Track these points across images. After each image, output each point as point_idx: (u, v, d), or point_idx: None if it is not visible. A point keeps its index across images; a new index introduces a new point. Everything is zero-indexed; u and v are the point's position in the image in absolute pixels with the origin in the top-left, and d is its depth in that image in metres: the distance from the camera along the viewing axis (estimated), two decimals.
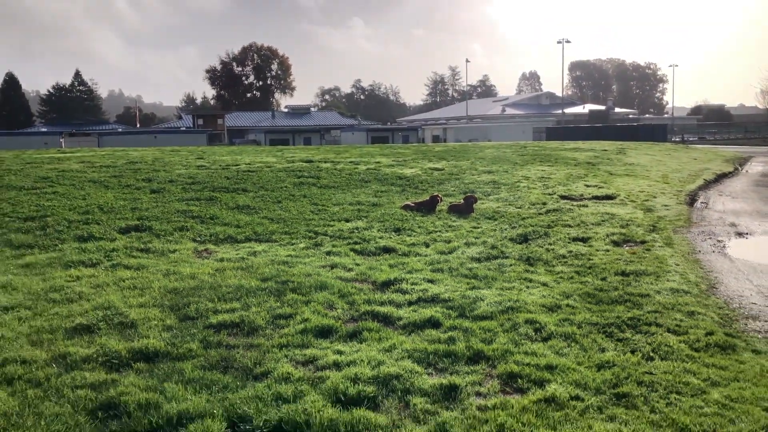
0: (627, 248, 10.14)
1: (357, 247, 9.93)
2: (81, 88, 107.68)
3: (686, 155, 37.89)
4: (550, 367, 4.98)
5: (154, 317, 6.31)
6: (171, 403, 4.33)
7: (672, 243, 10.81)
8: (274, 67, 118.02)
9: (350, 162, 23.72)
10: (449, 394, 4.54)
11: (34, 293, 7.28)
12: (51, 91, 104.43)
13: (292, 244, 10.19)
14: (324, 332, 5.90)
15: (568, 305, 6.79)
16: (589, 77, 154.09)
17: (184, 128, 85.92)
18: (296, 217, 12.63)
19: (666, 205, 15.58)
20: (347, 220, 12.34)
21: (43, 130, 80.00)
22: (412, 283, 7.59)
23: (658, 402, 4.45)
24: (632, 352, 5.45)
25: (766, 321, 6.70)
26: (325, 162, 23.36)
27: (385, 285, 7.60)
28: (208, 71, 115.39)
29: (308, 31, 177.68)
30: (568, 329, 5.94)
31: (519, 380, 4.79)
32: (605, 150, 33.30)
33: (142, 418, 4.17)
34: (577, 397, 4.47)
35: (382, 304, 6.79)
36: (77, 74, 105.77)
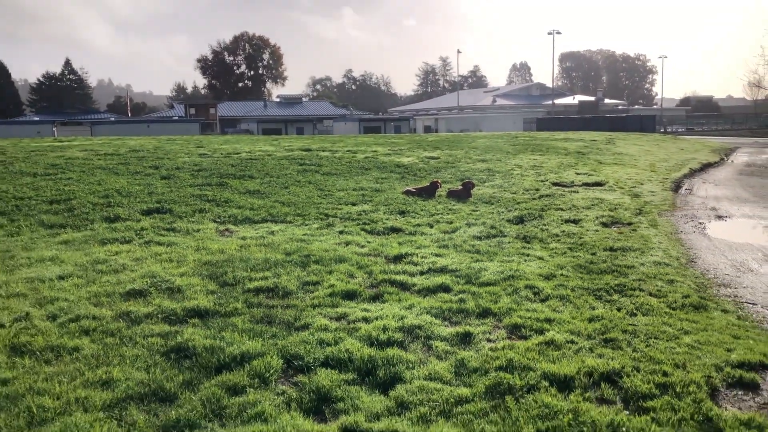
0: (615, 229, 11.02)
1: (366, 227, 10.74)
2: (71, 77, 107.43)
3: (674, 145, 38.92)
4: (548, 320, 5.85)
5: (197, 284, 7.11)
6: (232, 347, 5.15)
7: (656, 224, 11.69)
8: (266, 56, 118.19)
9: (348, 151, 24.51)
10: (464, 339, 5.40)
11: (81, 265, 8.05)
12: (41, 79, 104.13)
13: (306, 225, 10.99)
14: (349, 295, 6.72)
15: (562, 274, 7.65)
16: (579, 68, 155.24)
17: (176, 117, 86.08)
18: (305, 201, 13.43)
19: (652, 192, 16.48)
20: (353, 204, 13.15)
21: (36, 119, 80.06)
22: (422, 257, 8.42)
23: (638, 345, 5.32)
24: (618, 309, 6.32)
25: (735, 288, 7.60)
26: (324, 151, 24.14)
27: (397, 258, 8.42)
28: (199, 60, 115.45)
29: (299, 21, 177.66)
30: (563, 292, 6.81)
31: (522, 329, 5.65)
32: (594, 140, 34.26)
33: (210, 357, 4.99)
34: (572, 341, 5.33)
35: (396, 273, 7.61)
36: (67, 63, 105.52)
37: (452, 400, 4.26)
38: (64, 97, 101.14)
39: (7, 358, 5.02)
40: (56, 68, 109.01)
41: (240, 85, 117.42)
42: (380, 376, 4.65)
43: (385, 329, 5.52)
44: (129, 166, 18.03)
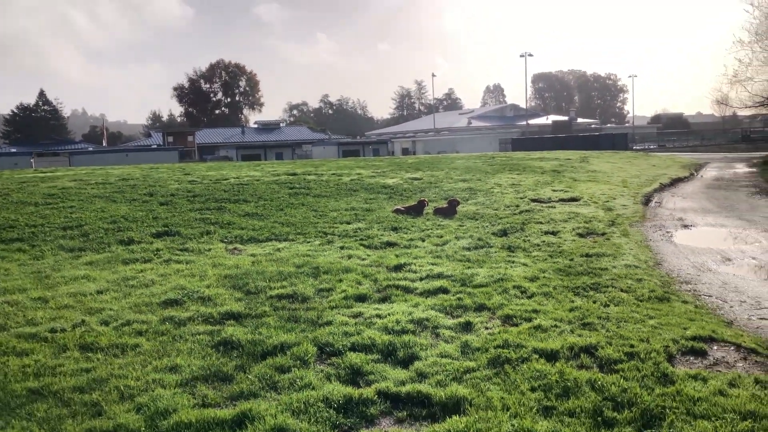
0: (590, 239, 12.12)
1: (364, 242, 11.73)
2: (45, 107, 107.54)
3: (645, 162, 40.53)
4: (535, 311, 6.90)
5: (224, 293, 8.03)
6: (271, 338, 6.09)
7: (628, 234, 12.84)
8: (242, 83, 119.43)
9: (333, 174, 25.56)
10: (466, 327, 6.42)
11: (113, 281, 8.93)
12: (15, 111, 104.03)
13: (308, 242, 11.95)
14: (360, 298, 7.70)
15: (544, 277, 8.70)
16: (552, 89, 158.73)
17: (154, 146, 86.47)
18: (303, 221, 14.39)
19: (624, 205, 17.70)
20: (348, 223, 14.14)
21: (13, 150, 79.99)
22: (419, 266, 9.42)
23: (611, 327, 6.37)
24: (594, 302, 7.38)
25: (695, 284, 8.71)
26: (309, 174, 25.16)
27: (397, 268, 9.42)
28: (175, 89, 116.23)
29: (274, 47, 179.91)
30: (546, 290, 7.87)
31: (514, 319, 6.69)
32: (569, 159, 35.72)
33: (253, 347, 5.92)
34: (555, 326, 6.37)
35: (399, 279, 8.60)
36: (41, 94, 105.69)
37: (462, 369, 5.26)
38: (39, 127, 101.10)
39: (80, 354, 5.91)
40: (30, 99, 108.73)
41: (217, 112, 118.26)
42: (400, 356, 5.63)
43: (397, 322, 6.51)
44: (124, 194, 18.81)
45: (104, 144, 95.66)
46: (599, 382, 4.93)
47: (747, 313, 7.26)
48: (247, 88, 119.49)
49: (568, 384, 4.90)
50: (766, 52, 33.34)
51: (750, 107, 38.72)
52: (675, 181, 29.25)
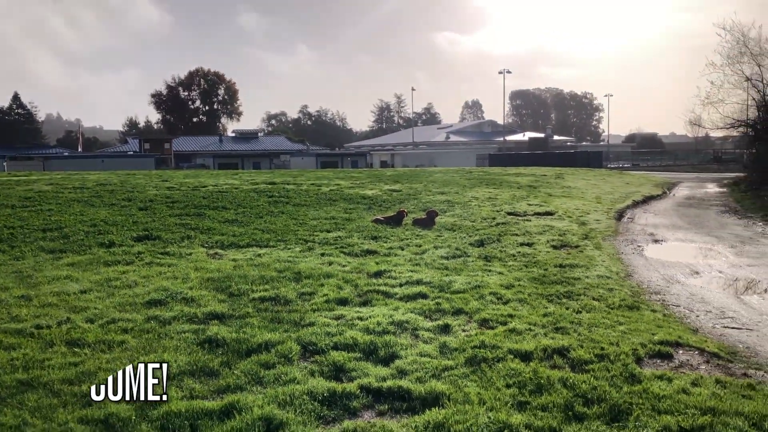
0: (564, 251, 12.46)
1: (344, 250, 11.93)
2: (19, 111, 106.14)
3: (619, 180, 41.31)
4: (510, 316, 7.16)
5: (207, 295, 8.18)
6: (255, 337, 6.26)
7: (600, 247, 13.21)
8: (221, 91, 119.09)
9: (312, 184, 25.73)
10: (444, 330, 6.66)
11: (96, 282, 9.02)
12: None
13: (289, 249, 12.11)
14: (342, 302, 7.90)
15: (519, 284, 8.98)
16: (529, 106, 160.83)
17: (131, 152, 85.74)
18: (283, 229, 14.55)
19: (597, 220, 18.13)
20: (328, 231, 14.33)
21: None
22: (399, 273, 9.65)
23: (582, 331, 6.65)
24: (566, 308, 7.67)
25: (664, 295, 9.06)
26: (288, 184, 25.29)
27: (377, 274, 9.64)
28: (153, 95, 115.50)
29: (254, 57, 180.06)
30: (521, 296, 8.15)
31: (490, 322, 6.94)
32: (545, 175, 36.31)
33: (238, 345, 6.09)
34: (529, 329, 6.64)
35: (379, 285, 8.82)
36: (15, 97, 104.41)
37: (440, 367, 5.49)
38: (12, 131, 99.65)
39: (67, 349, 6.02)
40: (3, 102, 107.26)
41: (195, 120, 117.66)
42: (381, 354, 5.85)
43: (378, 324, 6.72)
44: (102, 199, 18.80)
45: (80, 149, 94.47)
46: (571, 380, 5.19)
47: (712, 322, 7.61)
48: (226, 97, 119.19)
49: (542, 381, 5.15)
50: (737, 75, 34.33)
51: (721, 128, 39.72)
52: (648, 199, 29.88)
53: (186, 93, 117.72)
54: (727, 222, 19.51)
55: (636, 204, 26.51)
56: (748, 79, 34.81)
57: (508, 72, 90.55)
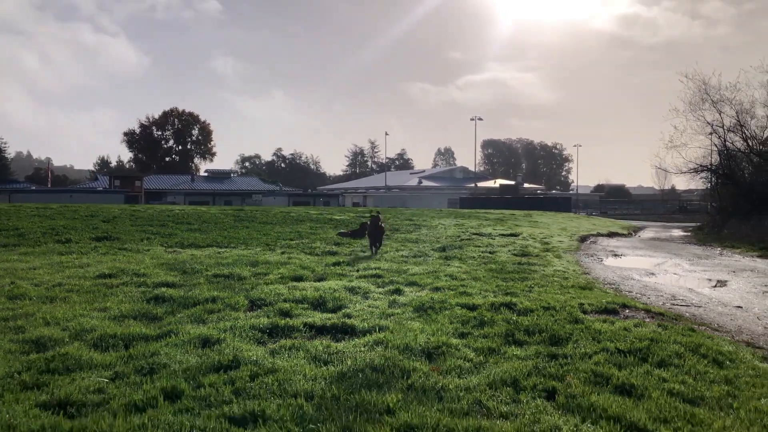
0: (525, 258, 12.55)
1: (306, 251, 11.88)
2: None
3: (587, 222, 41.86)
4: (463, 286, 7.18)
5: (160, 272, 8.06)
6: (203, 294, 6.18)
7: (561, 257, 13.33)
8: (195, 132, 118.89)
9: (281, 211, 25.74)
10: (396, 292, 6.66)
11: (48, 263, 8.84)
12: None
13: (250, 249, 12.02)
14: (297, 279, 7.84)
15: (476, 272, 9.02)
16: (500, 155, 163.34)
17: (101, 188, 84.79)
18: (246, 237, 14.45)
19: (561, 241, 18.32)
20: (292, 239, 14.26)
21: None
22: (358, 265, 9.62)
23: (533, 296, 6.69)
24: (520, 284, 7.72)
25: (617, 286, 9.16)
26: (257, 212, 25.26)
27: (336, 264, 9.61)
28: (126, 134, 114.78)
29: (229, 100, 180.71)
30: (475, 276, 8.19)
31: (443, 290, 6.95)
32: (513, 214, 36.68)
33: (185, 300, 5.99)
34: (480, 293, 6.66)
35: (336, 270, 8.79)
36: None
37: (387, 313, 5.47)
38: None
39: (8, 302, 5.87)
40: None
41: (167, 159, 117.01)
42: (329, 306, 5.80)
43: (331, 288, 6.69)
44: (65, 216, 18.54)
45: (48, 186, 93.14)
46: (514, 320, 5.20)
47: (662, 301, 7.69)
48: (200, 137, 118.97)
49: (485, 320, 5.16)
50: (698, 120, 35.34)
51: (685, 173, 40.56)
52: (613, 234, 30.33)
53: (159, 132, 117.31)
54: (688, 248, 19.88)
55: (600, 235, 26.89)
56: (709, 124, 35.88)
57: (480, 119, 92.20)
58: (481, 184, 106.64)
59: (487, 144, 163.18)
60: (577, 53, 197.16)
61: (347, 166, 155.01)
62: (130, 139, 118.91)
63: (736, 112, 32.54)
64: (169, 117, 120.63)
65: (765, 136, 33.10)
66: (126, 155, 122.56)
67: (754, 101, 31.93)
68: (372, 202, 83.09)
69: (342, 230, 16.26)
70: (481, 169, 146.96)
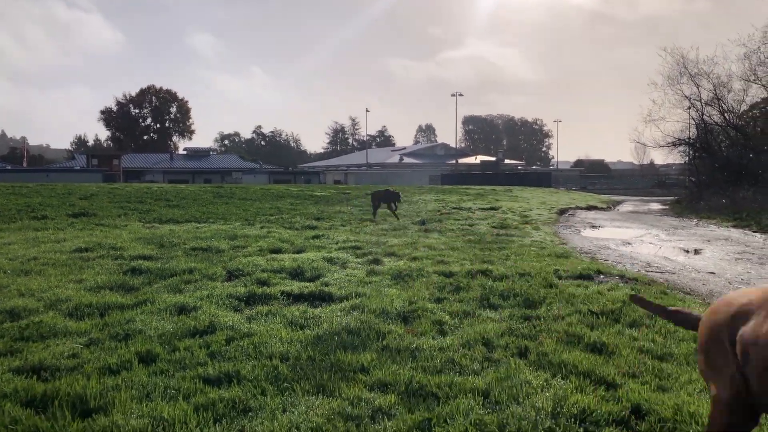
0: (503, 230, 12.64)
1: (286, 225, 11.85)
2: None
3: (566, 196, 42.23)
4: (441, 256, 7.25)
5: (138, 245, 8.01)
6: (180, 266, 6.16)
7: (539, 228, 13.44)
8: (173, 110, 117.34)
9: (261, 188, 25.66)
10: (374, 262, 6.69)
11: (23, 239, 8.74)
12: None
13: (229, 224, 11.98)
14: (276, 251, 7.84)
15: (454, 243, 9.08)
16: (481, 131, 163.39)
17: (78, 167, 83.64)
18: (226, 212, 14.39)
19: (540, 214, 18.48)
20: (272, 215, 14.22)
21: None
22: (337, 237, 9.63)
23: (509, 264, 6.78)
24: (497, 252, 7.79)
25: (594, 255, 9.27)
26: (236, 189, 25.16)
27: (316, 237, 9.61)
28: (103, 112, 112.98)
29: (207, 77, 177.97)
30: (454, 246, 8.24)
31: (421, 259, 7.00)
32: (494, 189, 36.95)
33: (161, 272, 5.98)
34: (457, 261, 6.72)
35: (316, 243, 8.80)
36: None
37: (365, 281, 5.51)
38: None
39: None
40: None
41: (145, 137, 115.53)
42: (307, 275, 5.83)
43: (310, 260, 6.70)
44: (41, 194, 18.34)
45: (24, 165, 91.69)
46: (489, 285, 5.27)
47: (637, 268, 7.80)
48: (178, 115, 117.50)
49: (461, 285, 5.22)
50: (677, 94, 35.53)
51: (663, 146, 40.88)
52: (592, 208, 30.62)
53: (137, 110, 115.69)
54: (665, 219, 20.13)
55: (579, 209, 27.14)
56: (687, 98, 36.08)
57: (460, 95, 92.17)
58: (462, 161, 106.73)
59: (468, 120, 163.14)
60: (557, 29, 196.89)
61: (328, 143, 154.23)
62: (107, 117, 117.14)
63: (714, 86, 32.77)
64: (146, 94, 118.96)
65: (741, 109, 33.44)
66: (103, 134, 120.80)
67: (731, 75, 32.16)
68: (353, 180, 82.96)
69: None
70: (462, 145, 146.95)
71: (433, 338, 3.90)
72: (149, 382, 3.07)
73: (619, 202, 43.27)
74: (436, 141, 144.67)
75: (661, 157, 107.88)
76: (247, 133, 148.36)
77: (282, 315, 4.35)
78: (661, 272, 7.56)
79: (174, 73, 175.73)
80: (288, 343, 3.74)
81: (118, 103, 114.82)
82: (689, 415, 2.77)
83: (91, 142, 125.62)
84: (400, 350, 3.63)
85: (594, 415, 2.75)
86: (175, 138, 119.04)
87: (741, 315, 1.95)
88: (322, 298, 4.93)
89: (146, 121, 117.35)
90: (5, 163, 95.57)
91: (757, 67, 29.23)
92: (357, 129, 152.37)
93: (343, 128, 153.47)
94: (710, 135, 35.33)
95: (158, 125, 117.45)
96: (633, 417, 2.80)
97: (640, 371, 3.36)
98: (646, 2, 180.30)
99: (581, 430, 2.63)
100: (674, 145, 44.51)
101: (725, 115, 33.20)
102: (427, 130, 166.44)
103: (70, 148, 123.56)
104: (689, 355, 3.65)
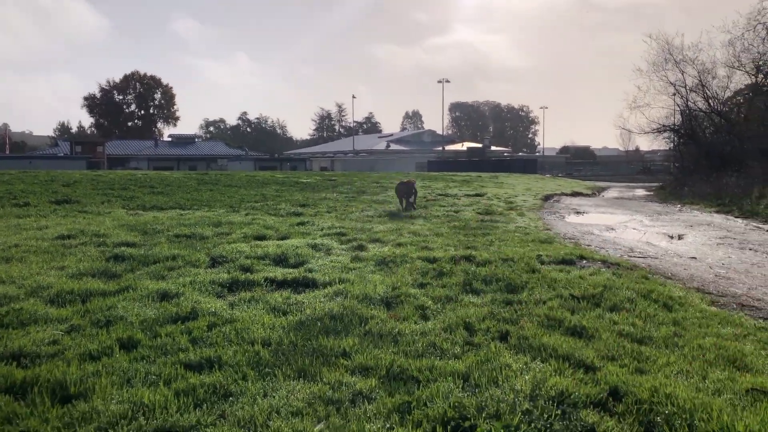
0: (488, 216, 12.69)
1: (270, 212, 11.83)
2: None
3: (552, 182, 42.40)
4: (425, 241, 7.27)
5: (121, 232, 7.96)
6: (163, 253, 6.13)
7: (524, 215, 13.51)
8: (158, 96, 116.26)
9: (246, 175, 25.54)
10: (359, 248, 6.70)
11: (5, 226, 8.67)
12: None
13: (213, 210, 11.93)
14: (260, 237, 7.83)
15: (439, 229, 9.11)
16: (468, 118, 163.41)
17: (61, 154, 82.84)
18: (210, 199, 14.32)
19: (525, 200, 18.54)
20: (257, 202, 14.18)
21: None
22: (322, 223, 9.64)
23: (492, 249, 6.82)
24: (481, 238, 7.82)
25: (577, 240, 9.33)
26: (221, 176, 25.03)
27: (301, 224, 9.60)
28: (86, 98, 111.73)
29: (192, 64, 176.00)
30: (438, 233, 8.26)
31: (405, 245, 7.02)
32: (480, 176, 37.01)
33: (144, 258, 5.95)
34: (441, 247, 6.74)
35: (300, 229, 8.79)
36: None
37: (349, 267, 5.52)
38: None
39: None
40: None
41: (130, 124, 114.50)
42: (291, 262, 5.83)
43: (294, 246, 6.70)
44: (23, 181, 18.12)
45: (6, 152, 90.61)
46: (472, 270, 5.30)
47: (620, 254, 7.88)
48: (163, 102, 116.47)
49: (444, 271, 5.25)
50: (661, 81, 35.67)
51: (648, 132, 41.08)
52: (577, 194, 30.79)
53: (121, 96, 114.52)
54: (648, 205, 20.30)
55: (564, 195, 27.28)
56: (672, 84, 36.25)
57: (447, 82, 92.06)
58: (448, 148, 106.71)
59: (455, 107, 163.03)
60: (544, 16, 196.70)
61: (314, 130, 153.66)
62: (91, 103, 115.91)
63: (698, 72, 32.90)
64: (130, 81, 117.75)
65: (726, 96, 33.63)
66: (87, 120, 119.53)
67: (715, 61, 32.34)
68: (340, 167, 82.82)
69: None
70: (449, 132, 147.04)
71: (415, 323, 3.92)
72: (130, 368, 3.07)
73: (604, 189, 43.55)
74: (422, 128, 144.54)
75: (646, 144, 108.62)
76: (232, 120, 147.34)
77: (265, 301, 4.36)
78: (643, 257, 7.63)
79: (158, 59, 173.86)
80: (270, 328, 3.74)
81: (102, 90, 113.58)
82: (665, 396, 2.81)
83: (74, 129, 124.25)
84: (383, 335, 3.65)
85: (572, 397, 2.78)
86: (159, 125, 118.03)
87: None
88: (305, 285, 4.93)
89: (130, 107, 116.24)
90: None
91: (741, 54, 29.38)
92: (344, 116, 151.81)
93: (329, 115, 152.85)
94: (695, 121, 35.55)
95: (142, 112, 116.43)
96: (611, 399, 2.84)
97: (619, 354, 3.40)
98: None
99: (559, 411, 2.66)
100: (659, 131, 44.68)
101: (710, 101, 33.39)
102: (414, 117, 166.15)
103: (54, 135, 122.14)
104: (668, 339, 3.70)
